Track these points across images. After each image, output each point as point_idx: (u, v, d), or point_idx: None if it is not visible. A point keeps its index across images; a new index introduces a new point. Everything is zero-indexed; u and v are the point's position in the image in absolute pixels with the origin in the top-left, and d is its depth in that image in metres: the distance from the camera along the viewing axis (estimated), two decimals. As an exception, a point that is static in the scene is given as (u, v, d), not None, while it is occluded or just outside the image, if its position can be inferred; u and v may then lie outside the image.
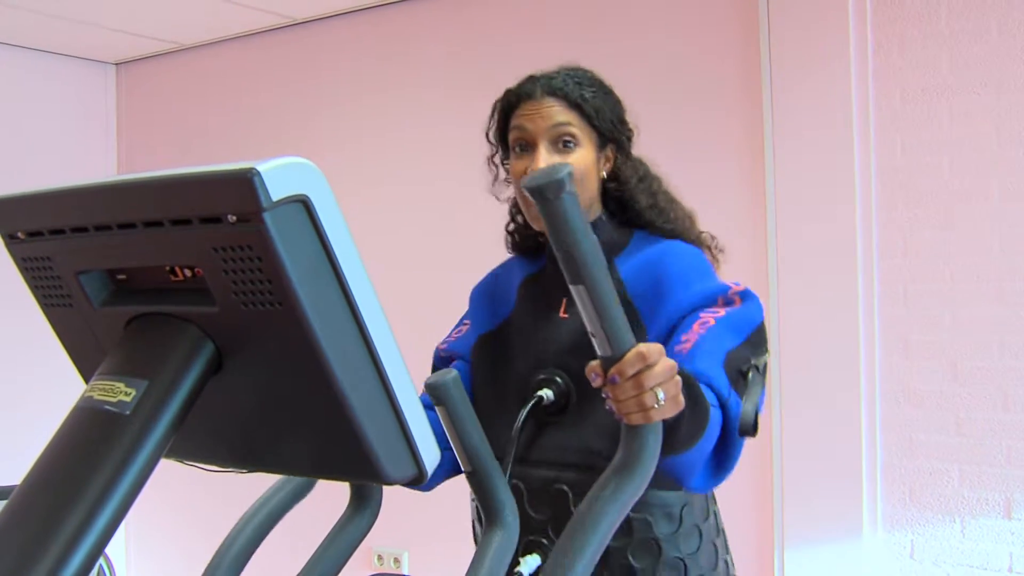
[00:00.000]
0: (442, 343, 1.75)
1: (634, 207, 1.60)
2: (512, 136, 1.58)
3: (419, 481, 0.98)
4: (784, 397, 2.94)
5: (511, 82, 1.61)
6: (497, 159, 1.67)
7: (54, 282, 1.03)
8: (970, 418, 2.74)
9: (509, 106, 1.59)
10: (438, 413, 1.22)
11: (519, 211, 1.70)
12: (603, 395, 1.20)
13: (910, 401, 2.82)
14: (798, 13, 2.95)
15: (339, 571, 1.44)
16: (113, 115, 4.69)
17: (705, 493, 1.55)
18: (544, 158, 1.52)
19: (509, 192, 1.68)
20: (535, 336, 1.60)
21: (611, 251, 1.56)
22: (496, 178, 1.68)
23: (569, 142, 1.53)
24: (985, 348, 2.72)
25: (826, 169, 2.90)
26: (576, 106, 1.54)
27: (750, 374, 1.43)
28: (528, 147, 1.55)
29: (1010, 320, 2.69)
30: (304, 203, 0.86)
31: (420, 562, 3.74)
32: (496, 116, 1.62)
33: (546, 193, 1.09)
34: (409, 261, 3.71)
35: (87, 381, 1.03)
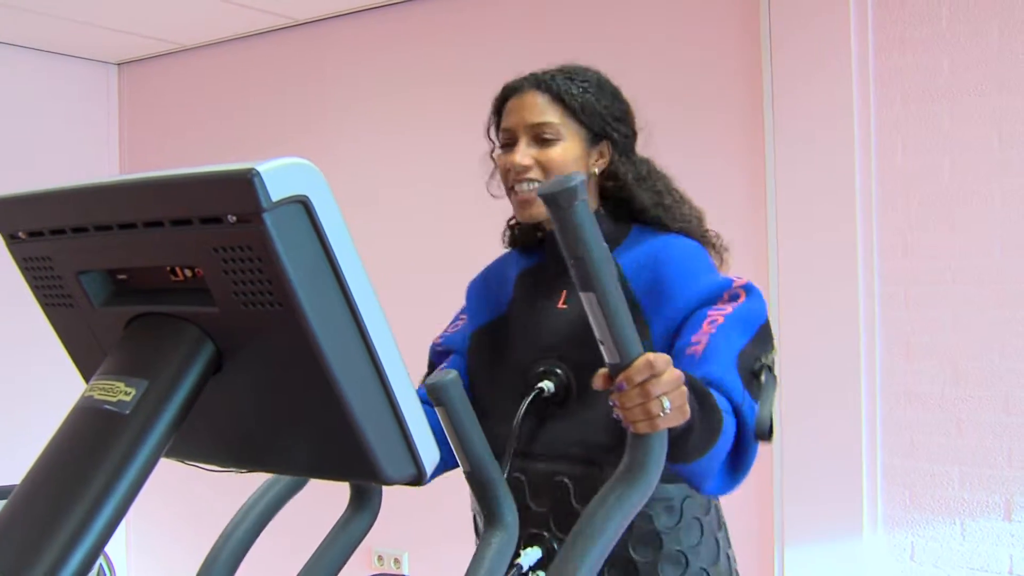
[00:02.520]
0: (438, 337, 1.75)
1: (635, 205, 1.60)
2: (500, 135, 1.60)
3: (418, 481, 0.98)
4: (785, 398, 2.93)
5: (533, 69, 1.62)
6: (496, 156, 1.68)
7: (55, 282, 1.03)
8: (971, 420, 2.73)
9: (500, 101, 1.61)
10: (437, 413, 1.22)
11: None
12: (610, 402, 1.22)
13: (911, 403, 2.82)
14: (799, 14, 2.95)
15: (339, 571, 1.44)
16: (115, 115, 4.70)
17: (722, 495, 1.56)
18: (522, 152, 1.54)
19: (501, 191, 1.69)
20: (534, 327, 1.59)
21: (609, 244, 1.56)
22: (493, 174, 1.69)
23: (549, 137, 1.54)
24: (986, 350, 2.72)
25: (827, 171, 2.90)
26: (560, 100, 1.55)
27: (763, 375, 1.44)
28: (511, 142, 1.57)
29: (1011, 322, 2.69)
30: (304, 204, 0.86)
31: (420, 563, 3.74)
32: (492, 112, 1.64)
33: (559, 200, 1.11)
34: (409, 261, 3.71)
35: (87, 381, 1.03)
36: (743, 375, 1.42)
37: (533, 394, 1.50)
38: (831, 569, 2.87)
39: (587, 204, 1.12)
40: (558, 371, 1.53)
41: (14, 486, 0.93)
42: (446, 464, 1.48)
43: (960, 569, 2.74)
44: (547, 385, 1.52)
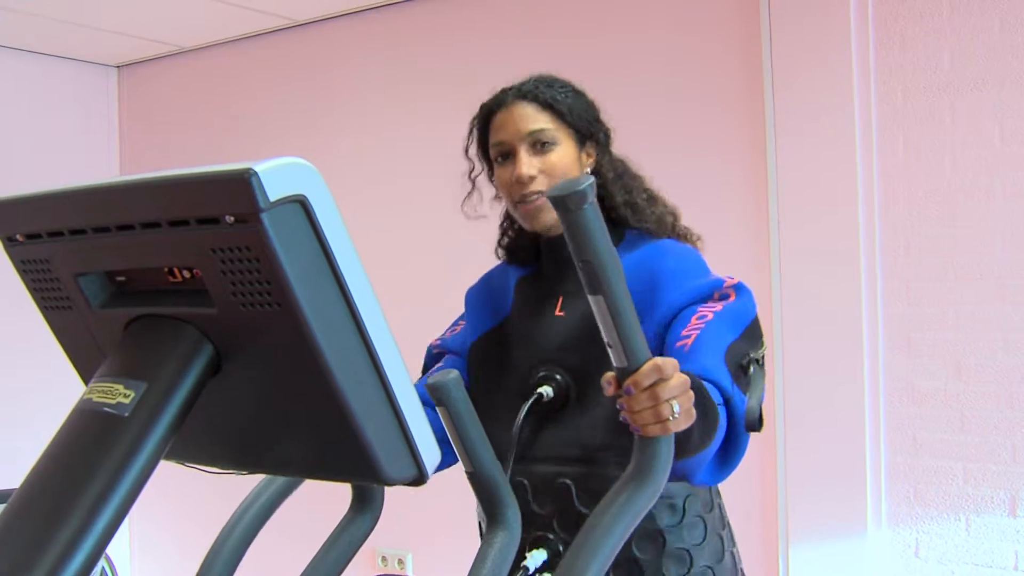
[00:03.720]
0: (436, 339, 1.77)
1: (608, 202, 1.61)
2: (493, 150, 1.60)
3: (419, 482, 0.98)
4: (788, 395, 2.93)
5: (513, 81, 1.62)
6: (475, 176, 1.69)
7: (53, 284, 1.03)
8: (974, 416, 2.73)
9: (485, 120, 1.61)
10: (439, 414, 1.21)
11: (511, 225, 1.72)
12: (618, 406, 1.23)
13: (914, 399, 2.81)
14: (800, 9, 2.95)
15: (341, 573, 1.44)
16: (115, 117, 4.70)
17: (711, 486, 1.56)
18: (525, 161, 1.54)
19: (481, 210, 1.71)
20: (533, 334, 1.61)
21: None
22: (470, 194, 1.70)
23: (546, 143, 1.55)
24: (989, 346, 2.71)
25: (828, 167, 2.89)
26: (548, 106, 1.56)
27: (751, 368, 1.46)
28: (509, 155, 1.57)
29: (1013, 317, 2.68)
30: (302, 203, 0.86)
31: (424, 563, 3.73)
32: (474, 132, 1.64)
33: (568, 204, 1.11)
34: (408, 261, 3.71)
35: (86, 383, 1.02)
36: (731, 369, 1.44)
37: (532, 399, 1.52)
38: (836, 566, 2.87)
39: (596, 207, 1.13)
40: (557, 377, 1.55)
41: (13, 490, 0.93)
42: (443, 461, 1.49)
43: (965, 565, 2.74)
44: (546, 390, 1.54)
